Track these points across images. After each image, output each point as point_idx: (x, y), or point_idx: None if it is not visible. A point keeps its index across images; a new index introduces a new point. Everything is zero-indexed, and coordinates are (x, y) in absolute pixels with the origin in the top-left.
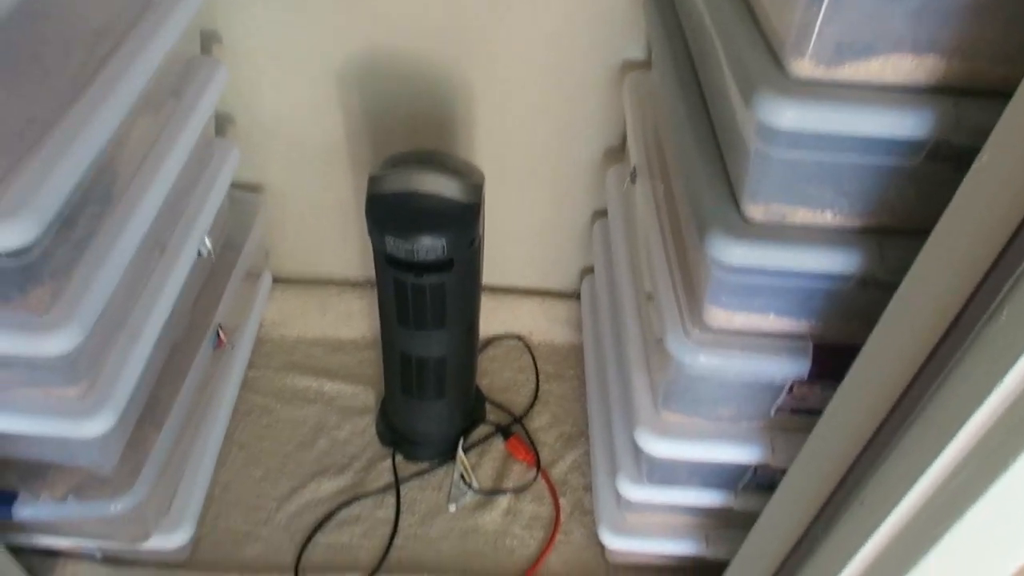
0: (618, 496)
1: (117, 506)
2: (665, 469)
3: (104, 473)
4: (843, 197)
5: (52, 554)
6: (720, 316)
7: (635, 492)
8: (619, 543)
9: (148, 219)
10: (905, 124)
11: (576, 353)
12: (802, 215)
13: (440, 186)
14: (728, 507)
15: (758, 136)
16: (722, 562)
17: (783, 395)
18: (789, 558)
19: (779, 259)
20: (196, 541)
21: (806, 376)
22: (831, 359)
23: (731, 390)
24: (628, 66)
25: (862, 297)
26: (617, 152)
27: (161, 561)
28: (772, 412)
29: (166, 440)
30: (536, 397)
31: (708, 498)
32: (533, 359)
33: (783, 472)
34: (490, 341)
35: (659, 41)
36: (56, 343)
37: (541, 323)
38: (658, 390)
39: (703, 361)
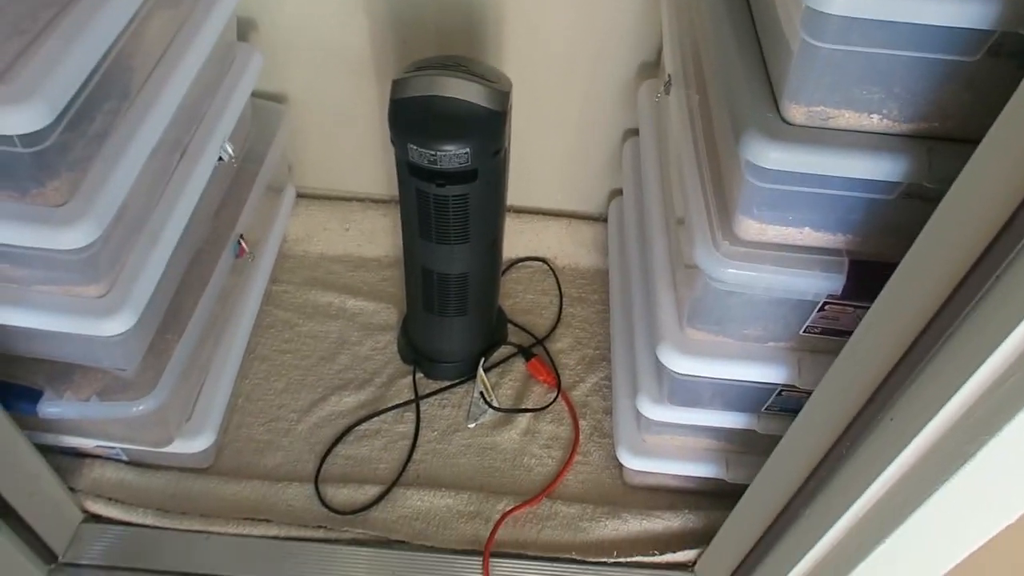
0: (638, 417)
1: (139, 407)
2: (687, 389)
3: (126, 376)
4: (893, 99)
5: (79, 455)
6: (752, 228)
7: (656, 412)
8: (637, 463)
9: (166, 116)
10: (969, 12)
11: (601, 277)
12: (847, 118)
13: (466, 91)
14: (750, 430)
15: (805, 26)
16: (741, 486)
17: (814, 314)
18: (811, 478)
19: (819, 164)
20: (219, 448)
21: (840, 293)
22: (867, 276)
23: (759, 308)
24: None
25: (903, 210)
26: (651, 68)
27: (184, 466)
28: (801, 332)
29: (187, 346)
30: (559, 320)
31: (730, 420)
32: (557, 282)
33: (809, 394)
34: (514, 263)
35: None
36: (73, 236)
37: (566, 246)
38: (683, 307)
39: (732, 275)
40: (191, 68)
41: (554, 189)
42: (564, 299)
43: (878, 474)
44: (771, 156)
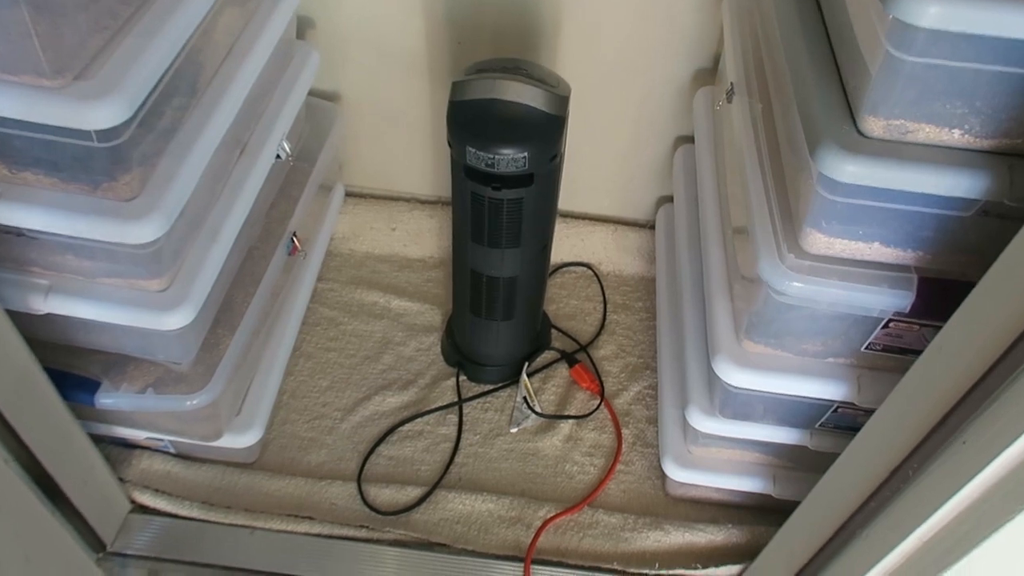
0: (685, 429)
1: (192, 402)
2: (740, 402)
3: (181, 369)
4: (975, 114)
5: (128, 446)
6: (819, 242)
7: (706, 424)
8: (683, 476)
9: (232, 113)
10: None
11: (646, 285)
12: (927, 132)
13: (526, 95)
14: (802, 446)
15: (890, 38)
16: (787, 503)
17: (877, 331)
18: (872, 498)
19: (897, 179)
20: (263, 444)
21: (907, 310)
22: (936, 294)
23: (821, 322)
24: None
25: (978, 227)
26: (707, 75)
27: (230, 460)
28: (862, 348)
29: (241, 341)
30: (603, 327)
31: (782, 435)
32: (602, 288)
33: (866, 412)
34: (558, 268)
35: None
36: (143, 230)
37: (612, 252)
38: (741, 319)
39: (797, 289)
40: (256, 65)
41: (601, 194)
42: (608, 306)
43: (948, 498)
44: (847, 170)
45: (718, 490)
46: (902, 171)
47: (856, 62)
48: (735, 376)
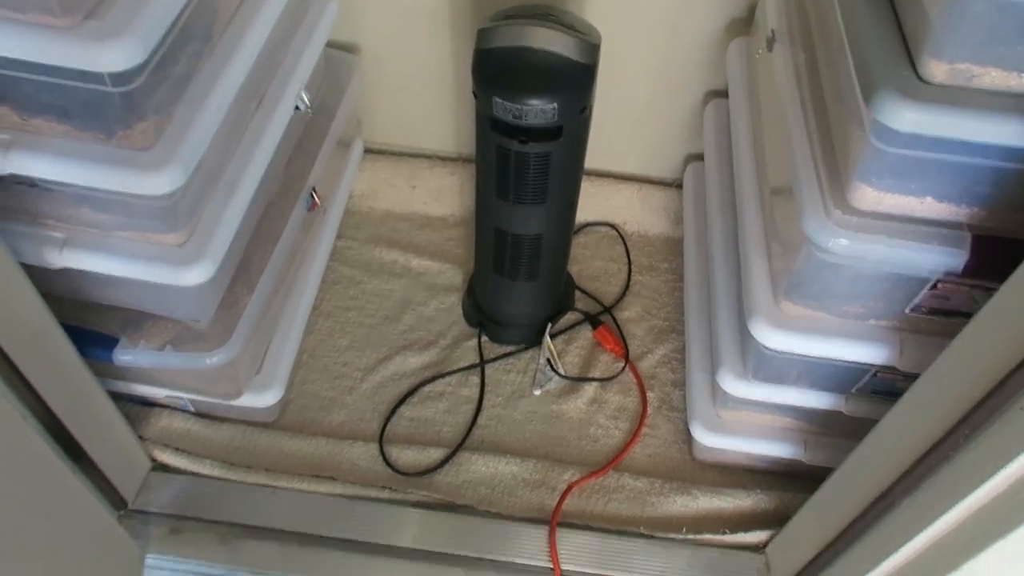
0: (714, 392)
1: (212, 360)
2: (774, 365)
3: (199, 327)
4: None
5: (147, 404)
6: (868, 197)
7: (738, 388)
8: (711, 440)
9: (249, 61)
10: None
11: (671, 245)
12: (993, 77)
13: (556, 42)
14: (836, 411)
15: None
16: (818, 469)
17: (923, 292)
18: (916, 466)
19: (960, 127)
20: (283, 404)
21: (960, 270)
22: (991, 252)
23: (864, 283)
24: None
25: None
26: (742, 25)
27: (250, 419)
28: (907, 310)
29: (259, 299)
30: (627, 288)
31: (815, 400)
32: (626, 249)
33: (906, 377)
34: (582, 227)
35: None
36: (161, 181)
37: (637, 212)
38: (779, 280)
39: (844, 246)
40: (273, 12)
41: (626, 152)
42: (633, 267)
43: (1003, 465)
44: (907, 117)
45: (746, 455)
46: (968, 119)
47: (916, 1)
48: (773, 339)
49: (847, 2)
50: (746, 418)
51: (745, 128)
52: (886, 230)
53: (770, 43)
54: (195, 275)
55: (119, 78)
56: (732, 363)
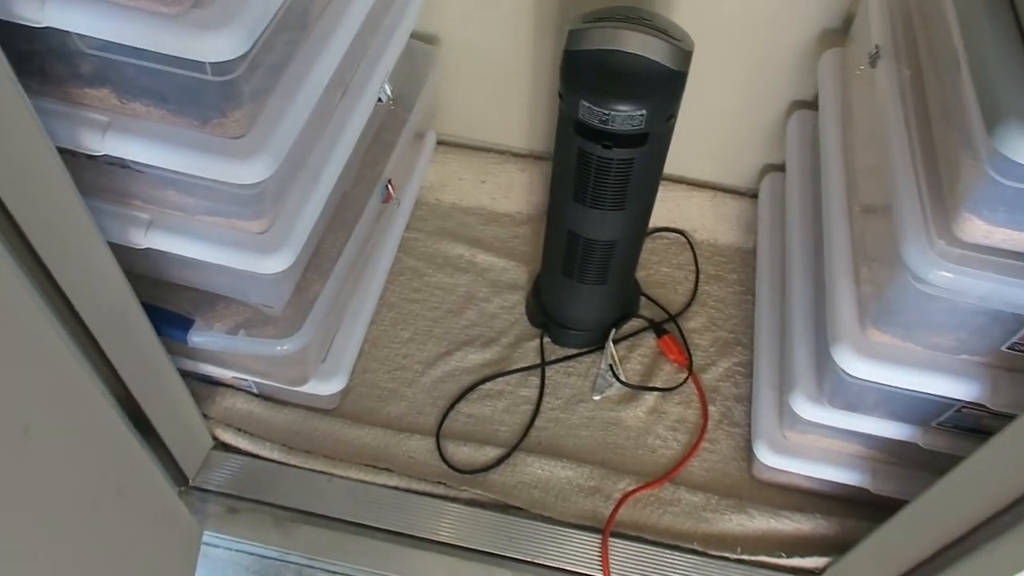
0: (781, 412)
1: (283, 347)
2: (853, 392)
3: (272, 313)
4: None
5: (213, 383)
6: (977, 229)
7: (811, 412)
8: (775, 461)
9: (341, 51)
10: None
11: (742, 256)
12: None
13: (648, 47)
14: (912, 443)
15: None
16: (884, 499)
17: None
18: (1007, 510)
19: None
20: (344, 392)
21: None
22: None
23: (961, 316)
24: None
25: None
26: (835, 35)
27: (311, 405)
28: (1003, 347)
29: (331, 288)
30: (693, 297)
31: (892, 430)
32: (695, 257)
33: (994, 415)
34: (650, 233)
35: None
36: (252, 170)
37: (708, 220)
38: (867, 306)
39: (946, 279)
40: (365, 3)
41: (702, 158)
42: (700, 276)
43: None
44: None
45: (808, 477)
46: None
47: None
48: (857, 366)
49: (968, 22)
50: (813, 441)
51: (836, 143)
52: (994, 265)
53: (873, 59)
54: (275, 263)
55: (220, 67)
56: (806, 385)
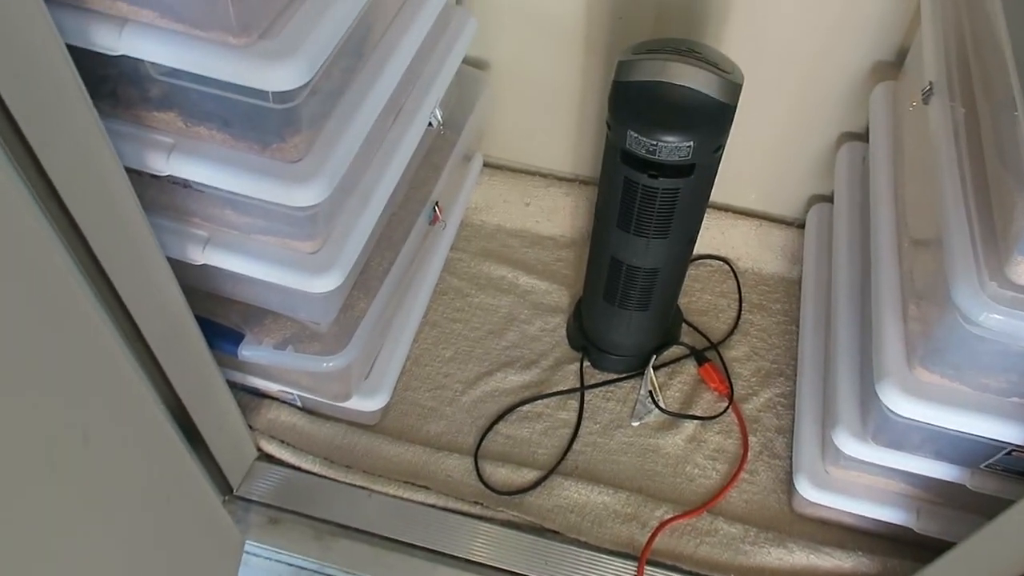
0: (824, 447)
1: (329, 363)
2: (898, 431)
3: (319, 329)
4: None
5: (259, 395)
6: None
7: (854, 448)
8: (816, 496)
9: (396, 78)
10: None
11: (786, 286)
12: None
13: (697, 80)
14: (959, 485)
15: None
16: (928, 539)
17: None
18: None
19: None
20: (385, 409)
21: None
22: None
23: (1012, 359)
24: None
25: None
26: (888, 68)
27: (353, 421)
28: None
29: (378, 307)
30: (736, 326)
31: (938, 470)
32: (738, 285)
33: None
34: (694, 259)
35: None
36: (308, 193)
37: (753, 248)
38: (915, 344)
39: (997, 321)
40: (421, 30)
41: (749, 187)
42: (744, 304)
43: None
44: None
45: (850, 514)
46: None
47: None
48: (903, 405)
49: None
50: (856, 478)
51: (886, 177)
52: None
53: (926, 96)
54: (325, 283)
55: (281, 95)
56: (850, 421)
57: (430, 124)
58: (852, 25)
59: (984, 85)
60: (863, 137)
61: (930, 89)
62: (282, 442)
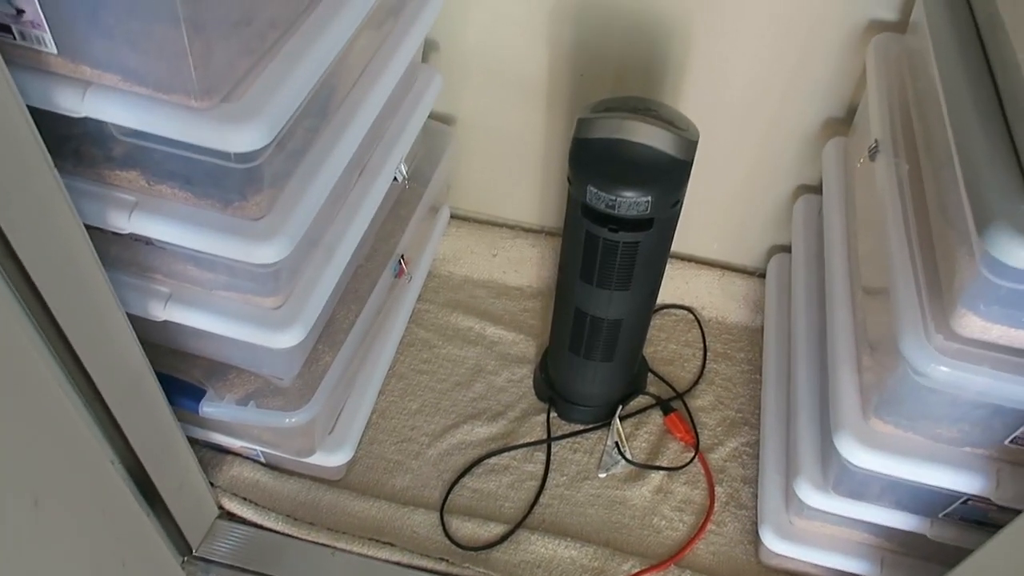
0: (788, 497)
1: (292, 419)
2: (857, 481)
3: (282, 384)
4: None
5: (221, 451)
6: (974, 325)
7: (816, 499)
8: (782, 547)
9: (360, 136)
10: None
11: (749, 335)
12: None
13: (654, 137)
14: (920, 534)
15: None
16: None
17: None
18: None
19: None
20: (350, 463)
21: None
22: None
23: (962, 409)
24: (874, 27)
25: None
26: (838, 124)
27: (317, 476)
28: (1006, 441)
29: (342, 361)
30: (701, 375)
31: (899, 520)
32: (703, 334)
33: (1001, 509)
34: (658, 309)
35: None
36: (269, 251)
37: (716, 298)
38: (870, 395)
39: (944, 373)
40: (386, 89)
41: (711, 238)
42: (708, 353)
43: None
44: (1021, 255)
45: (816, 565)
46: None
47: None
48: (860, 456)
49: (963, 128)
50: (820, 528)
51: (839, 229)
52: (990, 361)
53: (872, 153)
54: (288, 338)
55: (243, 156)
56: (811, 472)
57: (395, 178)
58: (804, 84)
59: (926, 143)
60: (818, 190)
61: (876, 146)
62: (244, 499)
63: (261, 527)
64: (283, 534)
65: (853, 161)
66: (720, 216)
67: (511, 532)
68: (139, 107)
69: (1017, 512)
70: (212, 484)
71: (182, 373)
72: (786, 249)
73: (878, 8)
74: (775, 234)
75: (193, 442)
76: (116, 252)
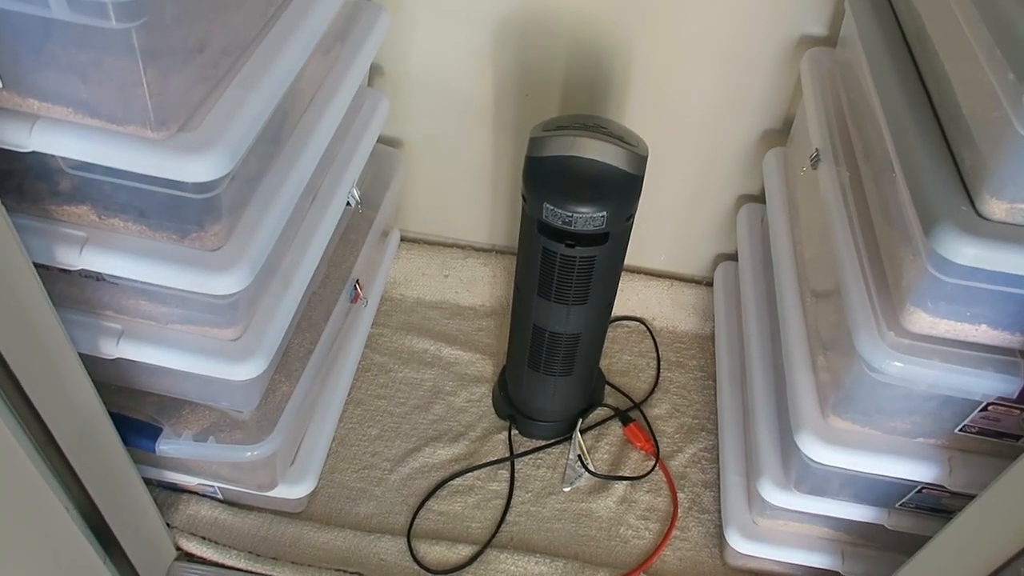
0: (750, 498)
1: (252, 452)
2: (818, 478)
3: (241, 417)
4: None
5: (176, 489)
6: (923, 321)
7: (779, 498)
8: (748, 547)
9: (314, 162)
10: None
11: (700, 342)
12: None
13: (606, 153)
14: (879, 525)
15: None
16: None
17: (974, 413)
18: None
19: (1019, 264)
20: (312, 494)
21: (1015, 395)
22: None
23: (916, 402)
24: (806, 42)
25: None
26: (776, 135)
27: (278, 510)
28: (956, 430)
29: (301, 391)
30: (656, 384)
31: (858, 513)
32: (655, 344)
33: (953, 495)
34: (611, 321)
35: (864, 15)
36: (229, 282)
37: (666, 308)
38: (827, 394)
39: (897, 368)
40: (337, 113)
41: (658, 249)
42: (662, 363)
43: None
44: (966, 252)
45: (780, 562)
46: None
47: (974, 141)
48: (821, 453)
49: (898, 133)
50: (783, 527)
51: (785, 236)
52: (940, 355)
53: (814, 161)
54: (248, 369)
55: (202, 186)
56: (773, 472)
57: (348, 203)
58: (742, 98)
59: (864, 150)
60: (760, 199)
61: (816, 155)
62: (203, 538)
63: (222, 566)
64: (245, 571)
65: (793, 170)
66: (667, 228)
67: (480, 552)
68: (93, 140)
69: (970, 497)
70: (169, 525)
71: (134, 411)
72: (731, 257)
73: (809, 24)
74: (720, 243)
75: (147, 482)
76: (63, 289)
